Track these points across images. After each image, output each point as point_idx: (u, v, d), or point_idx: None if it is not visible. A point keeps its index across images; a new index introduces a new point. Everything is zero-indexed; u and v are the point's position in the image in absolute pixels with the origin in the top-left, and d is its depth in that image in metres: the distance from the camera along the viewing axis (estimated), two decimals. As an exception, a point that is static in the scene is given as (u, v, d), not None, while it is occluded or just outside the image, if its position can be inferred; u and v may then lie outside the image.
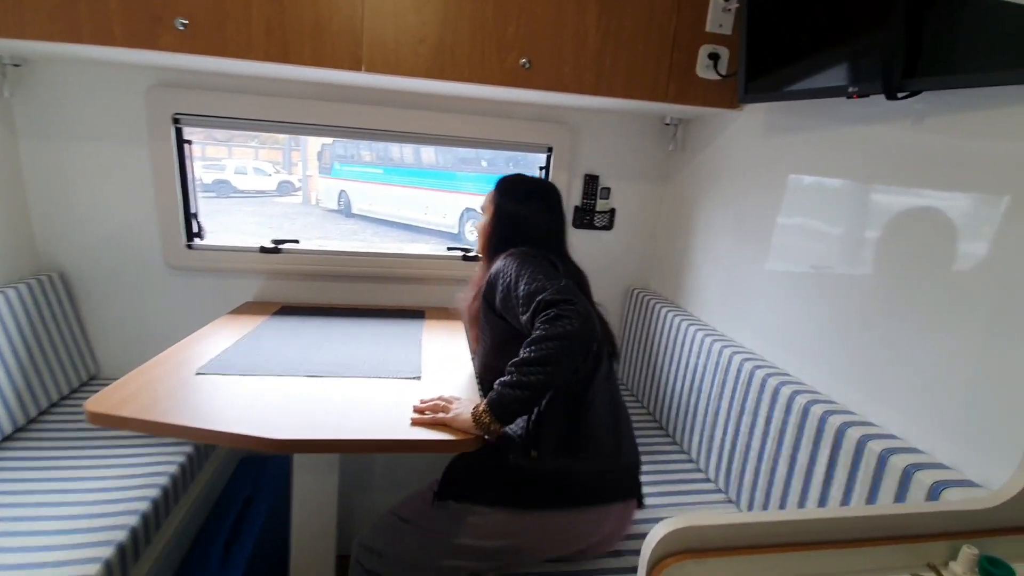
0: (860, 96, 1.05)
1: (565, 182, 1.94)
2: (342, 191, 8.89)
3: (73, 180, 1.68)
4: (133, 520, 1.18)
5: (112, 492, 1.26)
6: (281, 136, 11.52)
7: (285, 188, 10.84)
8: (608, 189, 2.00)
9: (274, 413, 1.08)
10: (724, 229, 1.67)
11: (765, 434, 1.27)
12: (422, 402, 1.12)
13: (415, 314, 1.86)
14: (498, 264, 1.19)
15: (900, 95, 0.98)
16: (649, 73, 1.51)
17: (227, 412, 1.07)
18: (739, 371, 1.39)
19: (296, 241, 1.89)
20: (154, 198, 1.73)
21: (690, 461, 1.57)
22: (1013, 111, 0.88)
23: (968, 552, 0.64)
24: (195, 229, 1.83)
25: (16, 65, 1.55)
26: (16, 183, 1.63)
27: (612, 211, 2.03)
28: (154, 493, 1.28)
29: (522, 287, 1.07)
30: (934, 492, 0.87)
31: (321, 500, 1.23)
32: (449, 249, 2.02)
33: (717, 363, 1.48)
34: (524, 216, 1.28)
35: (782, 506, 1.20)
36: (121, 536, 1.13)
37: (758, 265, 1.49)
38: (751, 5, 1.30)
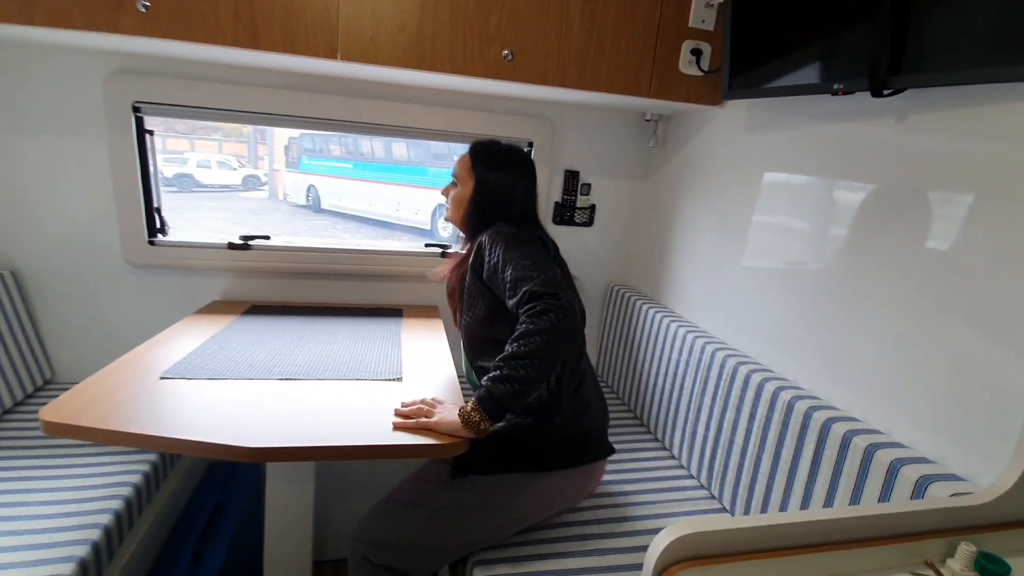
0: (845, 93, 1.05)
1: (546, 177, 1.91)
2: (311, 186, 8.70)
3: (25, 173, 1.57)
4: (95, 534, 1.11)
5: (71, 505, 1.18)
6: (246, 129, 11.21)
7: (251, 183, 10.56)
8: (589, 185, 1.99)
9: (245, 419, 1.02)
10: (704, 226, 1.67)
11: (748, 430, 1.27)
12: (404, 406, 1.08)
13: (393, 312, 1.81)
14: (486, 241, 1.17)
15: (885, 92, 0.98)
16: (632, 68, 1.49)
17: (195, 419, 1.01)
18: (721, 367, 1.39)
19: (267, 237, 1.82)
20: (113, 191, 1.63)
21: (672, 458, 1.57)
22: (990, 110, 0.89)
23: (965, 549, 0.64)
24: (158, 224, 1.74)
25: (-40, 49, 1.44)
26: (-39, 175, 1.52)
27: (592, 207, 2.02)
28: (117, 505, 1.20)
29: (509, 271, 1.08)
30: (920, 486, 0.87)
31: (296, 509, 1.18)
32: (427, 246, 1.97)
33: (699, 359, 1.48)
34: (507, 190, 1.26)
35: (765, 502, 1.21)
36: (83, 552, 1.06)
37: (738, 261, 1.50)
38: (735, 1, 1.30)
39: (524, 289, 1.03)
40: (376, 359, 1.37)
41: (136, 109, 1.60)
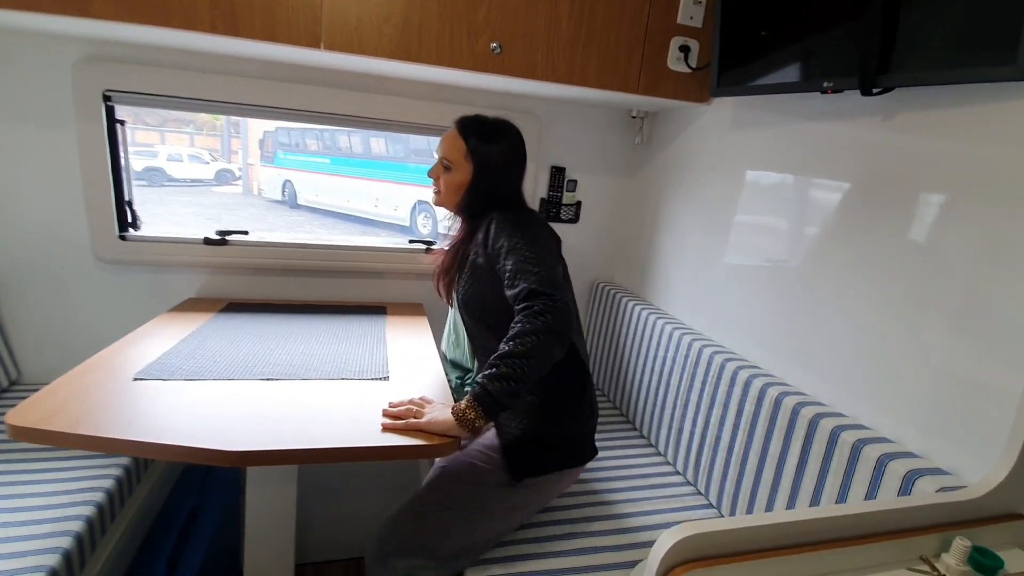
0: (835, 91, 1.05)
1: (532, 173, 1.90)
2: (287, 181, 8.52)
3: (-14, 164, 1.50)
4: (66, 542, 1.06)
5: (40, 511, 1.13)
6: (219, 122, 10.95)
7: (224, 177, 10.31)
8: (575, 181, 1.98)
9: (224, 422, 0.98)
10: (690, 223, 1.67)
11: (735, 427, 1.28)
12: (392, 406, 1.06)
13: (376, 310, 1.77)
14: (492, 226, 1.15)
15: (875, 91, 0.99)
16: (621, 63, 1.48)
17: (171, 422, 0.96)
18: (708, 364, 1.39)
19: (245, 232, 1.76)
20: (82, 183, 1.56)
21: (659, 455, 1.57)
22: (974, 110, 0.90)
23: (960, 544, 0.64)
24: (129, 218, 1.67)
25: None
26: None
27: (578, 204, 2.01)
28: (88, 511, 1.15)
29: (511, 262, 1.08)
30: (908, 481, 0.88)
31: (278, 514, 1.15)
32: (411, 242, 1.94)
33: (686, 356, 1.48)
34: (505, 172, 1.25)
35: (752, 499, 1.21)
36: (53, 560, 1.01)
37: (723, 258, 1.50)
38: (724, -3, 1.30)
39: (522, 285, 1.03)
40: (361, 358, 1.34)
41: (107, 98, 1.53)
